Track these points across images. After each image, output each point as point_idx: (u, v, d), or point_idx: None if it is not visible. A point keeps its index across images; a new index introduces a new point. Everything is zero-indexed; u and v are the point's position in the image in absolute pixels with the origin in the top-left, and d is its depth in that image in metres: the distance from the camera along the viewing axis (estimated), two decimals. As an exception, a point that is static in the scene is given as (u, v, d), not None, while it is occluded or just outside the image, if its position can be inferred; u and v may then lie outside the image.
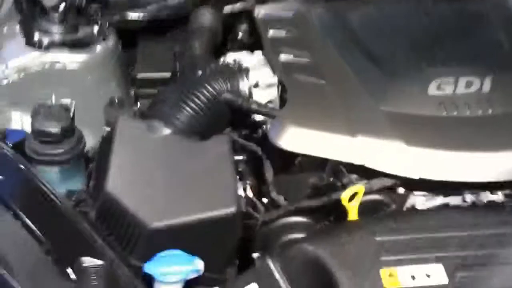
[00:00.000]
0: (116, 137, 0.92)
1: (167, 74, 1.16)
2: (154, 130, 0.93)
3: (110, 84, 1.15)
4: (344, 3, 1.17)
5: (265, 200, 0.95)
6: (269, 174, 0.96)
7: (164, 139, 0.92)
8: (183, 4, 1.25)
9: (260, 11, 1.16)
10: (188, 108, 0.94)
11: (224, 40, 1.25)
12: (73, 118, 1.06)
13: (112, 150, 0.90)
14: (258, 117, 1.02)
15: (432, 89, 0.97)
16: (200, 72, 1.00)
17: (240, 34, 1.21)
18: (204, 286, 0.82)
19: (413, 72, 0.99)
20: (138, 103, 1.16)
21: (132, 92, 1.21)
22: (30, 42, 1.10)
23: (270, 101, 1.02)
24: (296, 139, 0.91)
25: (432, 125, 0.94)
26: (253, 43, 1.15)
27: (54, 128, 0.94)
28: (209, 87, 0.97)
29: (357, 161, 0.89)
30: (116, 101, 1.12)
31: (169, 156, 0.90)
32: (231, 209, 0.83)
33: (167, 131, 0.93)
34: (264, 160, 0.97)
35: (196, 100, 0.95)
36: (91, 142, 1.08)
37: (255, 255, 0.90)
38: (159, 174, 0.88)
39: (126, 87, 1.19)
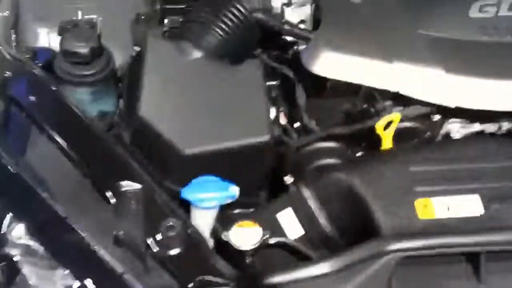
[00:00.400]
0: (146, 58, 0.90)
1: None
2: (185, 52, 0.90)
3: (135, -2, 1.12)
4: None
5: (297, 124, 0.95)
6: (301, 98, 0.94)
7: (195, 62, 0.90)
8: None
9: None
10: (218, 29, 0.91)
11: None
12: (100, 37, 1.05)
13: (143, 72, 0.88)
14: (290, 37, 1.00)
15: (474, 10, 0.93)
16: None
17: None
18: (238, 209, 0.84)
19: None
20: (165, 20, 1.12)
21: (159, 7, 1.18)
22: (54, -46, 1.07)
23: (303, 21, 1.00)
24: (329, 64, 0.88)
25: (472, 50, 0.90)
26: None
27: (83, 49, 0.91)
28: (239, 5, 0.93)
29: (392, 88, 0.87)
30: (143, 17, 1.10)
31: (201, 80, 0.88)
32: (264, 137, 0.82)
33: (198, 53, 0.90)
34: (296, 84, 0.95)
35: (226, 20, 0.92)
36: (119, 60, 1.06)
37: (287, 179, 0.91)
38: (191, 99, 0.87)
39: (152, 1, 1.15)
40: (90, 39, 0.93)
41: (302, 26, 0.97)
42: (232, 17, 0.93)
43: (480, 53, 0.90)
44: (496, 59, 0.90)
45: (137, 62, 0.94)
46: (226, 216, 0.81)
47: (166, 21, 1.11)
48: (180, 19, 1.09)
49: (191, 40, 0.91)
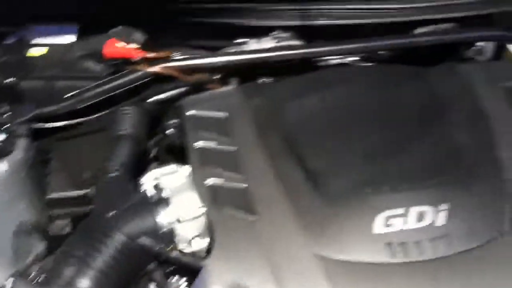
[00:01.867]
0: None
1: (84, 192, 1.02)
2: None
3: (20, 204, 0.99)
4: (287, 97, 1.04)
5: None
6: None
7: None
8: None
9: (190, 110, 1.02)
10: (93, 271, 0.81)
11: (154, 128, 1.12)
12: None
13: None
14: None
15: (378, 225, 0.84)
16: (111, 214, 0.87)
17: (168, 130, 1.06)
18: None
19: (356, 203, 0.86)
20: (53, 225, 1.02)
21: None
22: None
23: (197, 235, 0.90)
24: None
25: (376, 276, 0.81)
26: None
27: None
28: (120, 234, 0.84)
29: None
30: (26, 227, 0.99)
31: None
32: None
33: (68, 307, 0.80)
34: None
35: (104, 256, 0.82)
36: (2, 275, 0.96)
37: None
38: None
39: (40, 203, 1.03)
40: None
41: (194, 247, 0.88)
42: (111, 251, 0.83)
43: (386, 279, 0.81)
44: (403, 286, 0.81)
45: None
46: None
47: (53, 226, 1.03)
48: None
49: (61, 284, 0.80)
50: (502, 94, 1.05)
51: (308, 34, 1.23)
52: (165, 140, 1.05)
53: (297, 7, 1.26)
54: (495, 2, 1.29)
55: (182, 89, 1.13)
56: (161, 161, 1.07)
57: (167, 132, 1.03)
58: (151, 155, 1.09)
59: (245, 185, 0.91)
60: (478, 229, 0.84)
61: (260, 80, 1.16)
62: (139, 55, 1.10)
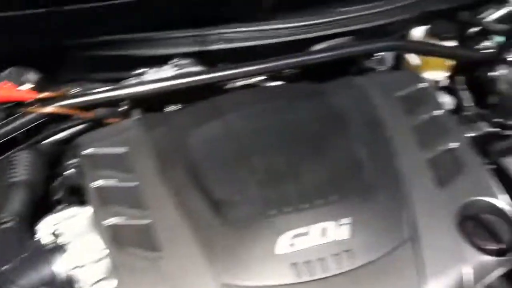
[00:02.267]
0: None
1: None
2: None
3: None
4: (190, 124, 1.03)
5: None
6: None
7: None
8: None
9: (86, 148, 0.99)
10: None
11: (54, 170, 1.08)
12: None
13: None
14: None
15: (282, 246, 0.84)
16: (5, 268, 0.82)
17: (67, 171, 1.02)
18: None
19: (259, 227, 0.86)
20: None
21: None
22: None
23: (101, 279, 0.87)
24: None
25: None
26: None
27: None
28: (17, 288, 0.81)
29: None
30: None
31: None
32: None
33: None
34: None
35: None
36: None
37: None
38: None
39: None
40: None
41: (99, 288, 0.85)
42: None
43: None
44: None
45: None
46: None
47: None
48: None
49: None
50: (398, 104, 1.08)
51: (208, 59, 1.24)
52: (65, 182, 1.01)
53: (195, 33, 1.25)
54: (388, 13, 1.35)
55: (82, 127, 1.10)
56: (65, 204, 1.03)
57: (66, 173, 1.00)
58: (55, 198, 1.06)
59: (147, 222, 0.88)
60: (379, 240, 0.86)
61: (164, 110, 1.15)
62: (31, 96, 1.07)
